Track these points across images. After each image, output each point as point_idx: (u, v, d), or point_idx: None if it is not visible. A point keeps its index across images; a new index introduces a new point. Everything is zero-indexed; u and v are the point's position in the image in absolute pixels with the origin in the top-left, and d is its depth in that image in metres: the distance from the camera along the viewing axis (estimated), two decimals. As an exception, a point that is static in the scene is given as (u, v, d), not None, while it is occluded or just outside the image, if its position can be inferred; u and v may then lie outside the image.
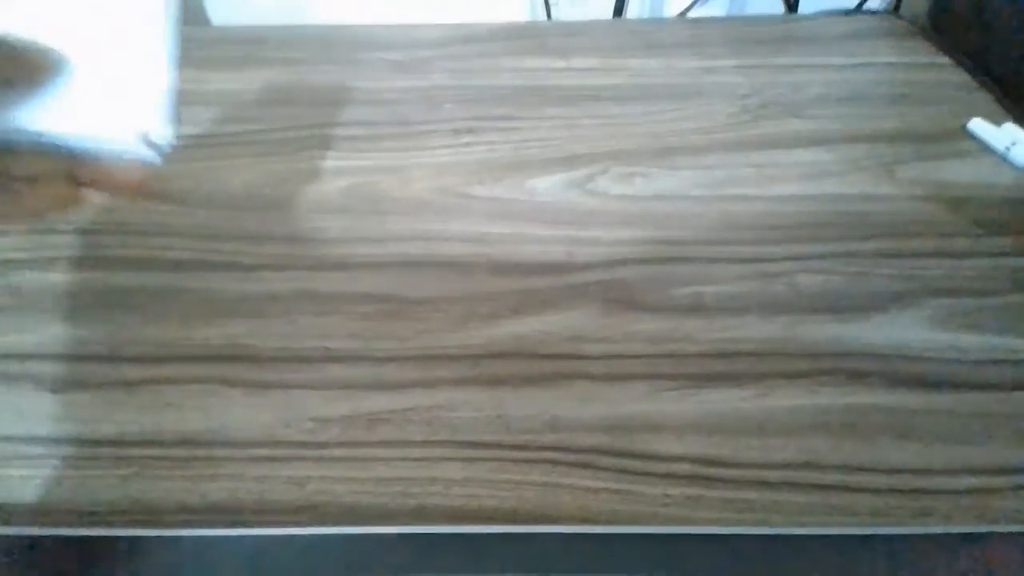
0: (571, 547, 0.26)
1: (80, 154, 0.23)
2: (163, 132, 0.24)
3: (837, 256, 0.36)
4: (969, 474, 0.27)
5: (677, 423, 0.29)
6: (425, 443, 0.29)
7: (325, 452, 0.28)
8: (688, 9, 0.68)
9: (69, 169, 0.23)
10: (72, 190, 0.23)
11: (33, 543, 0.27)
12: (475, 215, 0.39)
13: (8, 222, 0.26)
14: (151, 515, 0.27)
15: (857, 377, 0.30)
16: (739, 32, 0.56)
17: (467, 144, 0.45)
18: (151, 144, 0.23)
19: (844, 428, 0.29)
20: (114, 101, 0.23)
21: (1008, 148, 0.42)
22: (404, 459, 0.28)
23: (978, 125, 0.44)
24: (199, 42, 0.57)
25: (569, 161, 0.43)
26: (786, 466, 0.28)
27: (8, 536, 0.26)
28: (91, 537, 0.26)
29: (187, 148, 0.44)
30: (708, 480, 0.27)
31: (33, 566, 0.26)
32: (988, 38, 0.49)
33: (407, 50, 0.55)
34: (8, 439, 0.29)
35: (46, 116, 0.24)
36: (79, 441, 0.29)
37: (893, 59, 0.52)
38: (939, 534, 0.26)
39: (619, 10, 0.84)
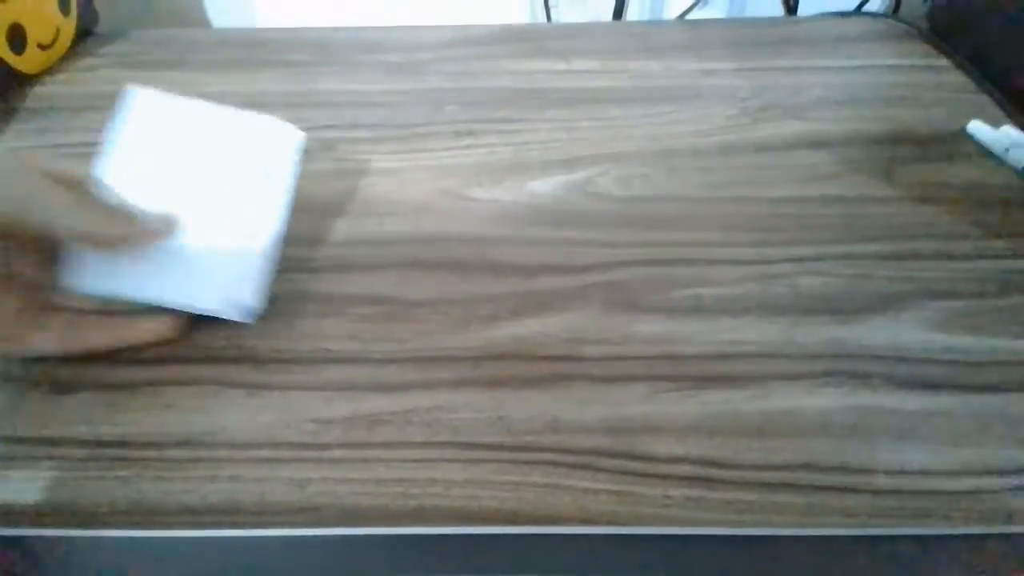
0: (571, 548, 0.26)
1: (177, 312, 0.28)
2: (252, 302, 0.28)
3: (837, 258, 0.36)
4: (969, 475, 0.27)
5: (677, 424, 0.29)
6: (425, 444, 0.29)
7: (325, 453, 0.28)
8: (688, 11, 0.69)
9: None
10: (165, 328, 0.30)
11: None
12: (475, 217, 0.39)
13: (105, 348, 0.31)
14: (151, 516, 0.27)
15: (857, 379, 0.31)
16: (738, 34, 0.57)
17: (467, 146, 0.45)
18: (241, 311, 0.27)
19: (844, 429, 0.29)
20: (215, 268, 0.26)
21: (1007, 150, 0.42)
22: (404, 460, 0.28)
23: (977, 127, 0.44)
24: (200, 45, 0.57)
25: (569, 163, 0.43)
26: (786, 467, 0.28)
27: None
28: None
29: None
30: (708, 481, 0.27)
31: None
32: (987, 40, 0.49)
33: (407, 52, 0.55)
34: (9, 440, 0.29)
35: (151, 277, 0.28)
36: (79, 442, 0.29)
37: (892, 61, 0.53)
38: (939, 535, 0.26)
39: (619, 12, 0.85)
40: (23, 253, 0.29)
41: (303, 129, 0.38)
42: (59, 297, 0.30)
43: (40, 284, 0.30)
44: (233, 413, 0.30)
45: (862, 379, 0.30)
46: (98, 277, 0.28)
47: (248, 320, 0.28)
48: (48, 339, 0.30)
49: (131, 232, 0.28)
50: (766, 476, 0.27)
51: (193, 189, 0.27)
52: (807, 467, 0.28)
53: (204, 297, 0.27)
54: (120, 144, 0.29)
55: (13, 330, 0.29)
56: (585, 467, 0.28)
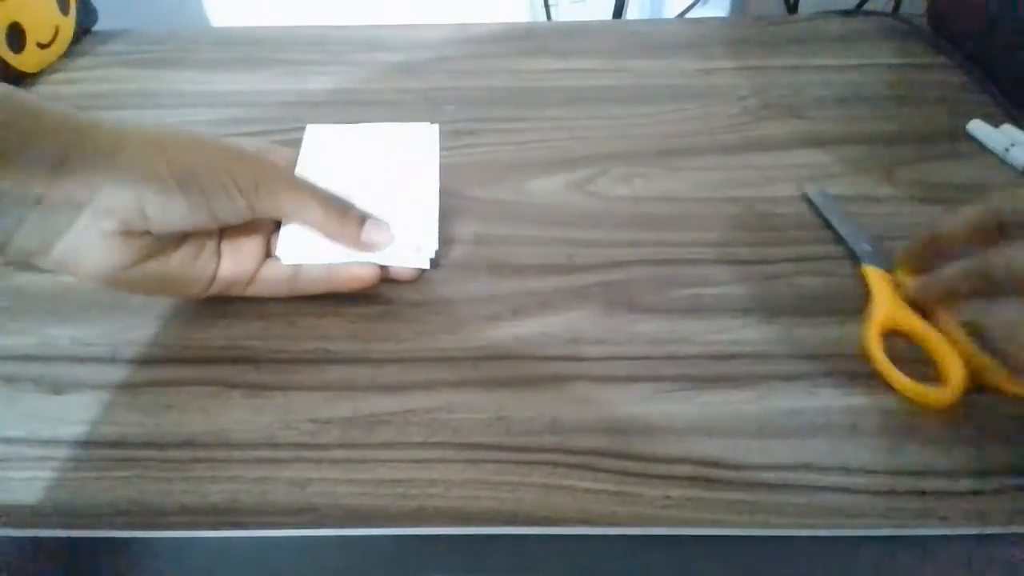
0: (571, 549, 0.26)
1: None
2: (430, 249, 0.34)
3: (837, 258, 0.36)
4: (969, 475, 0.27)
5: (677, 425, 0.29)
6: (425, 445, 0.29)
7: (325, 454, 0.28)
8: (688, 10, 0.68)
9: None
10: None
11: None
12: (475, 216, 0.39)
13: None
14: (151, 517, 0.27)
15: (856, 379, 0.30)
16: (739, 33, 0.56)
17: (467, 145, 0.45)
18: (423, 257, 0.34)
19: (844, 430, 0.29)
20: (401, 232, 0.34)
21: (1007, 149, 0.42)
22: (404, 461, 0.28)
23: (977, 126, 0.44)
24: (199, 43, 0.57)
25: (569, 163, 0.43)
26: (786, 467, 0.28)
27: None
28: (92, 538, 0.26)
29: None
30: (708, 482, 0.27)
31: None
32: (988, 39, 0.49)
33: (406, 51, 0.55)
34: (9, 441, 0.29)
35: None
36: (79, 443, 0.29)
37: (893, 60, 0.52)
38: (939, 536, 0.26)
39: (619, 11, 0.85)
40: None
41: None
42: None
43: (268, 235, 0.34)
44: (233, 413, 0.30)
45: (862, 379, 0.30)
46: (304, 248, 0.33)
47: (428, 266, 0.34)
48: (278, 283, 0.33)
49: (352, 218, 0.33)
50: (766, 476, 0.27)
51: (367, 186, 0.35)
52: (807, 467, 0.28)
53: (396, 254, 0.34)
54: (301, 169, 0.36)
55: (254, 274, 0.33)
56: (585, 467, 0.28)
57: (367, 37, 0.57)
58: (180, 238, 0.30)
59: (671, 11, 0.70)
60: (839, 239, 0.37)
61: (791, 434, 0.29)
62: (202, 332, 0.33)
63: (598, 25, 0.60)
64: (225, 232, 0.32)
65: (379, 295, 0.35)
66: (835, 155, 0.43)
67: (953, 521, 0.26)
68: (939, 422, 0.29)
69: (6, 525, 0.27)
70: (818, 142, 0.44)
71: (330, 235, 0.33)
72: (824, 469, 0.27)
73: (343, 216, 0.32)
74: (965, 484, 0.27)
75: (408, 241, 0.34)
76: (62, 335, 0.33)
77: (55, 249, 0.27)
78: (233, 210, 0.30)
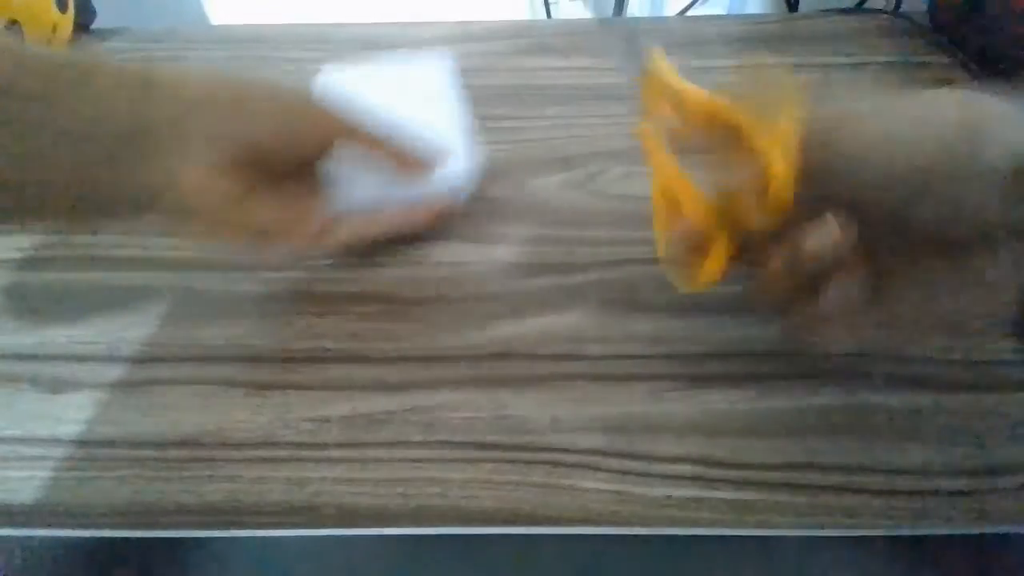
0: (571, 548, 0.26)
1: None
2: (466, 181, 0.35)
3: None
4: (969, 475, 0.27)
5: (677, 424, 0.29)
6: (424, 444, 0.29)
7: (324, 453, 0.28)
8: (688, 7, 0.68)
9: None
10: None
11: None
12: (474, 215, 0.39)
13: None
14: (149, 517, 0.26)
15: (858, 378, 0.30)
16: (739, 31, 0.56)
17: (467, 143, 0.44)
18: (459, 188, 0.35)
19: (844, 429, 0.29)
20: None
21: (1009, 148, 0.42)
22: (403, 460, 0.28)
23: (979, 125, 0.44)
24: (198, 41, 0.57)
25: (569, 160, 0.43)
26: (787, 467, 0.27)
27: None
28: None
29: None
30: (709, 481, 0.27)
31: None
32: (988, 37, 0.49)
33: (406, 49, 0.55)
34: (6, 440, 0.29)
35: (393, 184, 0.34)
36: (77, 442, 0.29)
37: (893, 58, 0.52)
38: (939, 536, 0.26)
39: (619, 8, 0.84)
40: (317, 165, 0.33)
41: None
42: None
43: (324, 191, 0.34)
44: (231, 412, 0.30)
45: (863, 378, 0.30)
46: (359, 189, 0.33)
47: (464, 195, 0.35)
48: (350, 235, 0.34)
49: (408, 149, 0.33)
50: (766, 476, 0.27)
51: (394, 119, 0.33)
52: (807, 467, 0.27)
53: (443, 182, 0.34)
54: None
55: (319, 231, 0.33)
56: (585, 467, 0.28)
57: (367, 35, 0.57)
58: (272, 177, 0.30)
59: (671, 9, 0.70)
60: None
61: (792, 433, 0.29)
62: (200, 331, 0.33)
63: (598, 23, 0.60)
64: (289, 186, 0.32)
65: (378, 293, 0.34)
66: (836, 153, 0.43)
67: (953, 521, 0.26)
68: (940, 421, 0.29)
69: (3, 525, 0.26)
70: (819, 140, 0.44)
71: (391, 167, 0.32)
72: (825, 469, 0.27)
73: (399, 148, 0.32)
74: (965, 484, 0.27)
75: (452, 167, 0.34)
76: (60, 334, 0.33)
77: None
78: (305, 142, 0.31)
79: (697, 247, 0.26)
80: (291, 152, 0.30)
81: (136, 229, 0.38)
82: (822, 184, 0.24)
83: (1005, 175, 0.20)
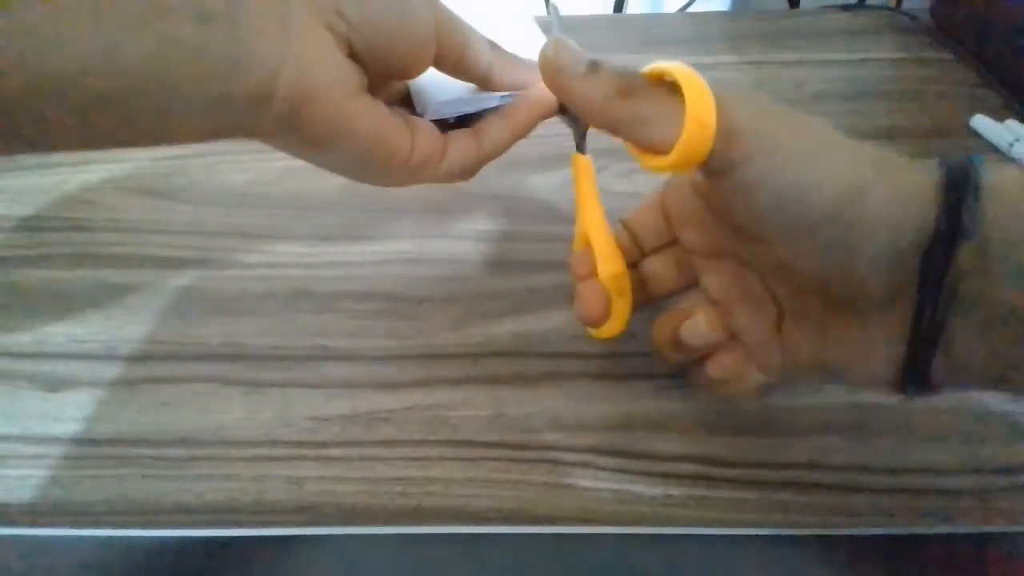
0: (572, 548, 0.26)
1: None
2: None
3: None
4: (971, 474, 0.27)
5: (679, 422, 0.29)
6: (424, 442, 0.28)
7: (324, 452, 0.28)
8: (689, 4, 0.68)
9: None
10: None
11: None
12: (475, 213, 0.39)
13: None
14: (148, 515, 0.26)
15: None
16: (740, 27, 0.56)
17: (466, 140, 0.44)
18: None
19: (847, 428, 0.28)
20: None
21: (1011, 144, 0.42)
22: (403, 459, 0.28)
23: (981, 122, 0.44)
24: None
25: (569, 158, 0.43)
26: (788, 466, 0.27)
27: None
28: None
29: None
30: (710, 480, 0.27)
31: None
32: (991, 34, 0.48)
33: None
34: (4, 438, 0.29)
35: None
36: (75, 441, 0.29)
37: (895, 55, 0.52)
38: (940, 534, 0.26)
39: (620, 5, 0.84)
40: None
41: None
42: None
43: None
44: (230, 411, 0.30)
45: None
46: (447, 97, 0.27)
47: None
48: (466, 152, 0.26)
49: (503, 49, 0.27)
50: (768, 475, 0.27)
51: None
52: (809, 466, 0.27)
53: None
54: None
55: (444, 148, 0.26)
56: (586, 465, 0.28)
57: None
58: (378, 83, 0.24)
59: (672, 5, 0.70)
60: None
61: (793, 432, 0.28)
62: (199, 329, 0.33)
63: (599, 19, 0.60)
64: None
65: (378, 291, 0.34)
66: (837, 151, 0.43)
67: (953, 521, 0.26)
68: (941, 420, 0.29)
69: (1, 523, 0.26)
70: (820, 137, 0.44)
71: (492, 69, 0.26)
72: (827, 468, 0.27)
73: (496, 47, 0.26)
74: (966, 483, 0.27)
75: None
76: (58, 332, 0.33)
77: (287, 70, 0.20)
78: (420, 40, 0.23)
79: (599, 304, 0.26)
80: (403, 49, 0.22)
81: (135, 226, 0.38)
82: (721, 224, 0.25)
83: (881, 247, 0.19)
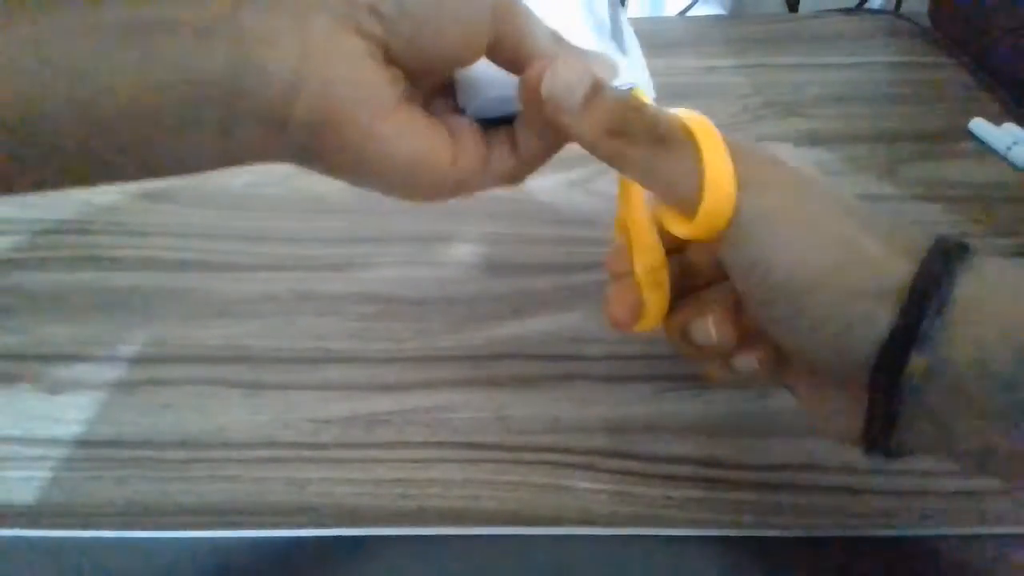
0: (572, 549, 0.26)
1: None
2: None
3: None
4: (966, 477, 0.27)
5: (678, 424, 0.29)
6: (425, 444, 0.28)
7: (324, 453, 0.28)
8: (689, 8, 0.68)
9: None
10: None
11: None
12: (475, 215, 0.39)
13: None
14: (148, 517, 0.26)
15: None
16: (740, 31, 0.56)
17: (467, 143, 0.44)
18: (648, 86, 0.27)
19: (846, 429, 0.29)
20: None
21: (1009, 148, 0.42)
22: (404, 460, 0.28)
23: (979, 125, 0.44)
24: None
25: (569, 161, 0.42)
26: (787, 467, 0.27)
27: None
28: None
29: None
30: (710, 482, 0.27)
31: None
32: (989, 37, 0.49)
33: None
34: (5, 440, 0.29)
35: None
36: (76, 442, 0.29)
37: (894, 59, 0.52)
38: (940, 535, 0.26)
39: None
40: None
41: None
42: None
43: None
44: (231, 413, 0.30)
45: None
46: (493, 95, 0.23)
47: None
48: (504, 164, 0.24)
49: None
50: (768, 476, 0.27)
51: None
52: (808, 467, 0.27)
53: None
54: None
55: (486, 156, 0.23)
56: (586, 467, 0.28)
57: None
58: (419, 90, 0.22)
59: (671, 9, 0.70)
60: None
61: (793, 434, 0.28)
62: (200, 331, 0.33)
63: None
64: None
65: (378, 293, 0.34)
66: (836, 153, 0.43)
67: (953, 521, 0.26)
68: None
69: (2, 525, 0.26)
70: (819, 140, 0.44)
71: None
72: (825, 469, 0.27)
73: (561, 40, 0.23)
74: (965, 484, 0.27)
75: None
76: (59, 334, 0.33)
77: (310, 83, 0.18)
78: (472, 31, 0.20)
79: (629, 309, 0.24)
80: (452, 38, 0.20)
81: (136, 229, 0.38)
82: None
83: (828, 339, 0.18)
